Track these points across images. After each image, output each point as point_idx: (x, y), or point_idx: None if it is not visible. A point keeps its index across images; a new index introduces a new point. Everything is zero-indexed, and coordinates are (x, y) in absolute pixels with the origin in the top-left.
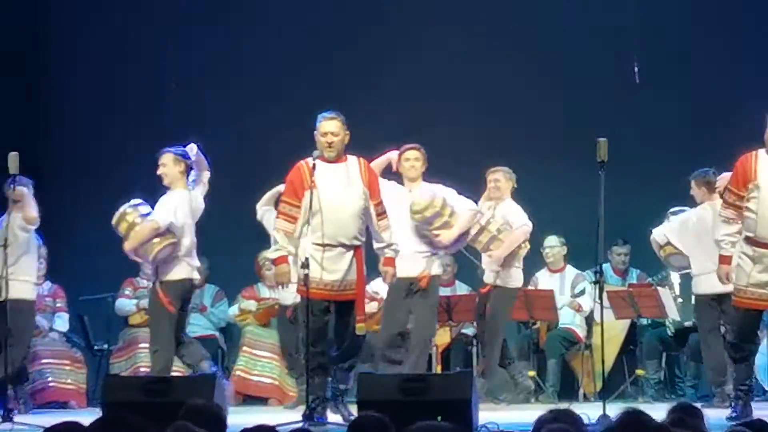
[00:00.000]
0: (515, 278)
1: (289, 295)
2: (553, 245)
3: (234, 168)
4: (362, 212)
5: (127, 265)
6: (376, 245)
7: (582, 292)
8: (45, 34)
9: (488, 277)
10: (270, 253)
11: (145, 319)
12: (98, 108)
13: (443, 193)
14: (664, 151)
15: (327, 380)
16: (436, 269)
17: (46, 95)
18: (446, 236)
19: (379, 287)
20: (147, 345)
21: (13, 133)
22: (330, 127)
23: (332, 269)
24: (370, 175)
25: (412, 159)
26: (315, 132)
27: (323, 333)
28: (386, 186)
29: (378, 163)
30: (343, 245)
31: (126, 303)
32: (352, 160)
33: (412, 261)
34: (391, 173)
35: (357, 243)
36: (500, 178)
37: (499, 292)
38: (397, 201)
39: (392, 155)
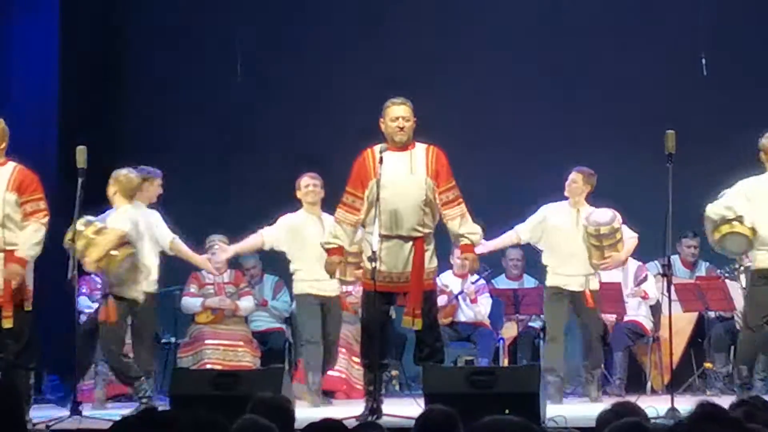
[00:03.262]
0: None
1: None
2: (628, 237)
3: (287, 159)
4: (423, 203)
5: None
6: (452, 236)
7: (645, 280)
8: (113, 28)
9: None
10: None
11: (211, 318)
12: (165, 103)
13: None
14: (733, 142)
15: (382, 375)
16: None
17: (114, 91)
18: (615, 257)
19: (449, 280)
20: (213, 341)
21: (82, 127)
22: (401, 111)
23: (390, 260)
24: (438, 163)
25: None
26: (380, 120)
27: (377, 327)
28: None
29: None
30: (400, 236)
31: (191, 302)
32: (420, 148)
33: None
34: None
35: (416, 234)
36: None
37: None
38: None
39: None
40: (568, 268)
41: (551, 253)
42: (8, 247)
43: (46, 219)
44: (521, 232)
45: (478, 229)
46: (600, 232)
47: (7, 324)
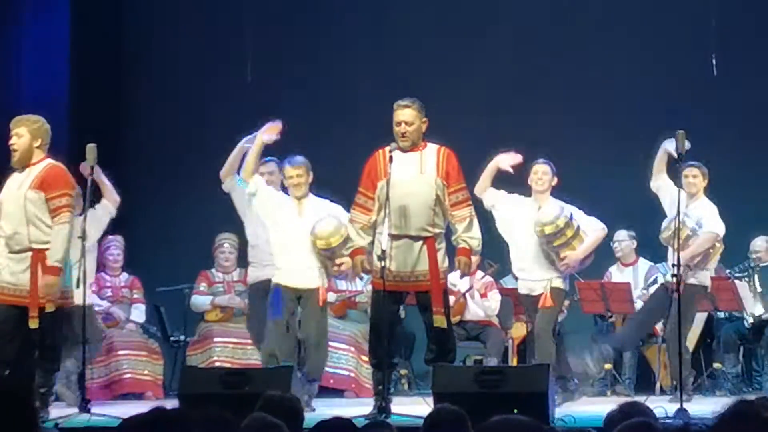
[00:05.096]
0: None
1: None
2: (623, 239)
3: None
4: (433, 203)
5: (203, 256)
6: (452, 237)
7: (654, 282)
8: (124, 29)
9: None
10: (344, 250)
11: (221, 316)
12: (175, 103)
13: (570, 210)
14: (743, 142)
15: (390, 374)
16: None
17: (124, 90)
18: (571, 257)
19: (456, 280)
20: (222, 339)
21: (93, 126)
22: (403, 116)
23: (400, 260)
24: (449, 164)
25: (540, 173)
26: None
27: (386, 326)
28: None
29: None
30: (409, 236)
31: (201, 300)
32: (431, 148)
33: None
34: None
35: (426, 234)
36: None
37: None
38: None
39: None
40: (531, 273)
41: (516, 253)
42: (35, 246)
43: (68, 216)
44: (488, 190)
45: (478, 234)
46: (545, 233)
47: (33, 324)
